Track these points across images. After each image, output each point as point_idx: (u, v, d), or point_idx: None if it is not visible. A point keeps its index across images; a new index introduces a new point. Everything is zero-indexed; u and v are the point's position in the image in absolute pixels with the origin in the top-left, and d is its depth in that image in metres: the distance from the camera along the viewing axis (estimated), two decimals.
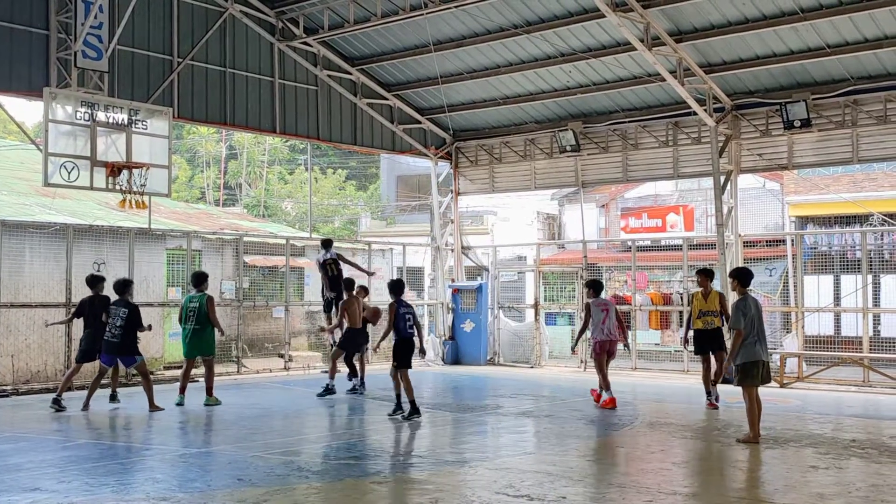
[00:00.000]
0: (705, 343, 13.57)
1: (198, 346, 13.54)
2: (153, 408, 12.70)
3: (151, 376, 17.07)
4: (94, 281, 13.30)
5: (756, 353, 10.11)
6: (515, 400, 14.70)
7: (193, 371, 14.00)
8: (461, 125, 21.84)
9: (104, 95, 14.96)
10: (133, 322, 12.69)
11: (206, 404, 13.36)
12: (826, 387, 16.17)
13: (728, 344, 12.14)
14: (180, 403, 13.32)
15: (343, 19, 18.11)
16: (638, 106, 19.11)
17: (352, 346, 14.81)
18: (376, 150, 22.48)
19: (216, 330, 13.53)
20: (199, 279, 13.77)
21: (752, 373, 10.15)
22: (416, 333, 12.20)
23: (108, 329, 12.72)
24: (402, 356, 12.10)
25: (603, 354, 13.59)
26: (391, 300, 12.29)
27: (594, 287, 14.04)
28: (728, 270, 17.49)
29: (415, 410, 12.07)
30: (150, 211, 16.92)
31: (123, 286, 12.99)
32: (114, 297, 13.00)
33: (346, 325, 14.56)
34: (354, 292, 14.88)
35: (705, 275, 13.74)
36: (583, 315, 19.94)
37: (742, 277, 10.57)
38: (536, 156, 21.02)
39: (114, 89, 15.75)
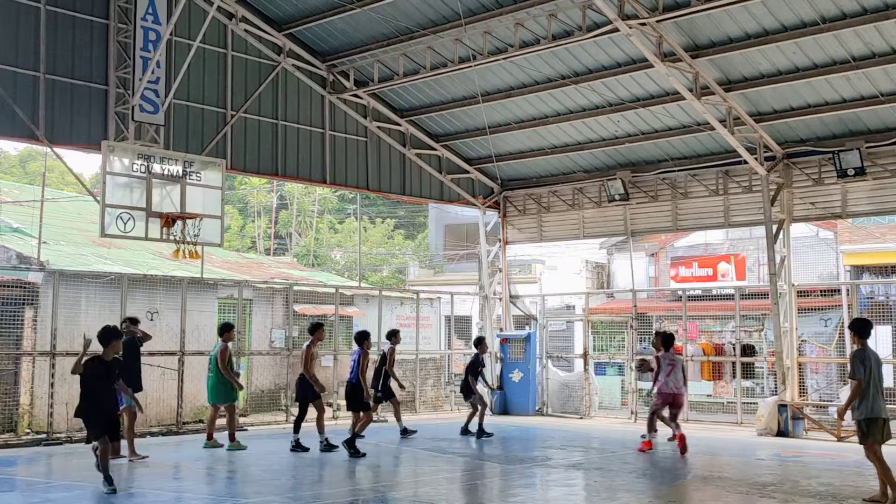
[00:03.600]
0: None
1: (215, 393, 14.09)
2: (133, 456, 12.62)
3: (201, 424, 17.29)
4: None
5: (877, 409, 9.60)
6: (565, 451, 14.51)
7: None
8: (509, 174, 21.91)
9: (160, 148, 15.31)
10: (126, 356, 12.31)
11: (227, 449, 13.72)
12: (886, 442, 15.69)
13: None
14: (207, 447, 13.85)
15: (392, 72, 18.38)
16: (687, 155, 19.02)
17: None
18: (425, 200, 22.60)
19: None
20: (220, 329, 14.35)
21: (873, 430, 9.62)
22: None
23: None
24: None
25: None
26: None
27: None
28: (781, 322, 17.24)
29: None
30: (203, 260, 17.16)
31: (123, 324, 13.11)
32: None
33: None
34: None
35: None
36: (633, 366, 19.91)
37: (860, 329, 10.06)
38: (585, 205, 20.98)
39: (169, 142, 16.12)
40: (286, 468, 12.20)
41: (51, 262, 16.92)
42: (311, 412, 14.12)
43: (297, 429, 14.13)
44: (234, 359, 15.15)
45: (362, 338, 13.99)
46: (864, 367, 9.55)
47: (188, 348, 16.89)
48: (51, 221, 20.92)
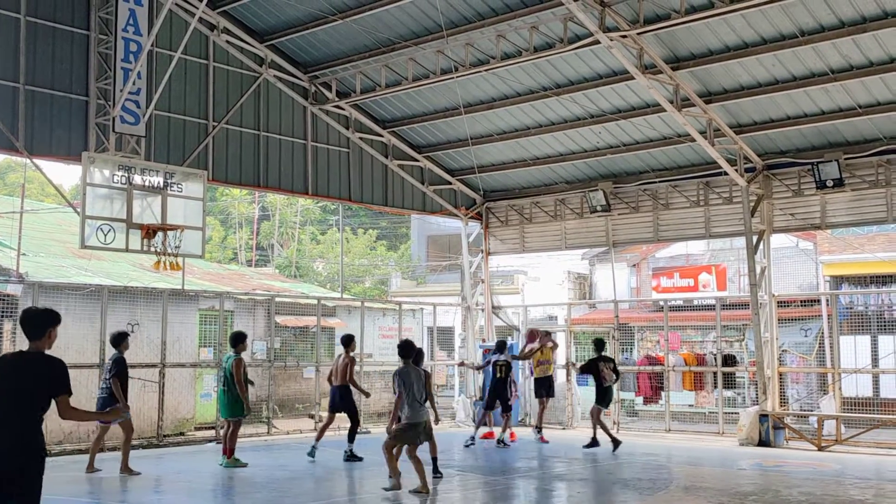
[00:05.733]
0: None
1: (225, 407, 13.57)
2: (126, 471, 12.38)
3: (182, 437, 17.20)
4: None
5: (414, 416, 10.92)
6: (548, 462, 14.51)
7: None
8: (491, 186, 21.96)
9: (141, 159, 15.23)
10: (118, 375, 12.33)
11: (224, 466, 13.30)
12: (866, 450, 15.83)
13: None
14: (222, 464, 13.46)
15: (375, 83, 18.40)
16: (668, 166, 19.13)
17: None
18: (407, 211, 22.62)
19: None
20: (233, 340, 13.70)
21: (408, 433, 10.95)
22: None
23: (100, 384, 12.70)
24: None
25: None
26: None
27: None
28: (761, 332, 17.32)
29: None
30: (184, 272, 17.08)
31: (117, 339, 12.73)
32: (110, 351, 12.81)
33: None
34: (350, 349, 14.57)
35: None
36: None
37: (403, 351, 11.37)
38: (567, 216, 21.04)
39: (150, 153, 16.04)
40: (268, 481, 12.13)
41: (30, 274, 16.81)
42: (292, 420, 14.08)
43: (351, 438, 14.25)
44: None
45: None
46: (404, 382, 10.95)
47: (169, 360, 16.79)
48: (30, 233, 20.81)
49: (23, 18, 14.71)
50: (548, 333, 18.31)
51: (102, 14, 15.30)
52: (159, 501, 10.92)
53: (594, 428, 15.96)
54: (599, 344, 16.37)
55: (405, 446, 11.15)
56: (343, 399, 14.35)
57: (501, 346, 17.23)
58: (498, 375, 16.84)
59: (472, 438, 16.61)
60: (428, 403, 11.34)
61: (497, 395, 16.95)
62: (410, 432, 10.98)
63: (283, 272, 38.91)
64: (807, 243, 24.16)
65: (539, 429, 17.39)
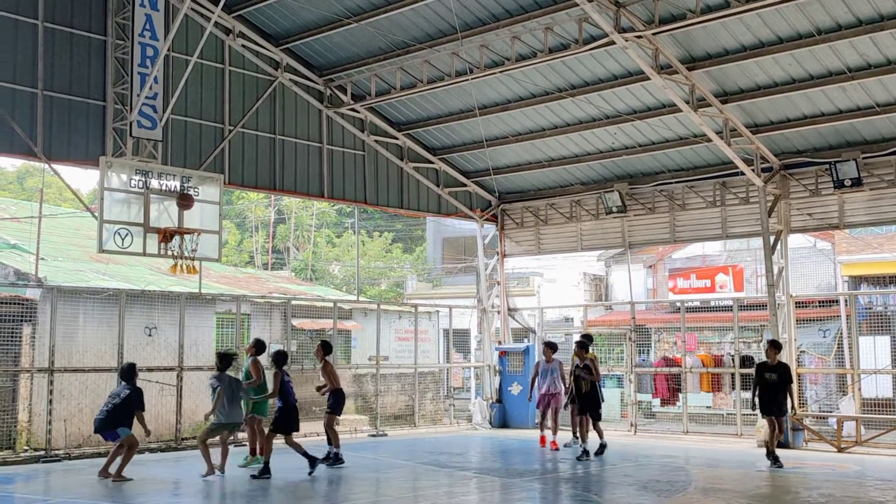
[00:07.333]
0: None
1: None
2: (118, 477, 12.28)
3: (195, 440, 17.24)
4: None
5: (234, 416, 12.67)
6: (565, 464, 14.47)
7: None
8: (507, 187, 21.94)
9: (158, 163, 15.33)
10: (130, 403, 12.40)
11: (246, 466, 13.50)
12: (886, 451, 15.70)
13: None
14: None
15: (389, 86, 18.42)
16: (684, 166, 19.05)
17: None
18: (422, 214, 22.60)
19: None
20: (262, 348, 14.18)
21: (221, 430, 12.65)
22: None
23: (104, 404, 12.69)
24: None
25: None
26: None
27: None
28: (779, 333, 17.22)
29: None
30: (201, 275, 17.15)
31: (129, 372, 12.76)
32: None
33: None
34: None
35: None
36: (632, 378, 19.90)
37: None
38: (582, 217, 21.00)
39: (167, 157, 16.12)
40: (286, 483, 12.14)
41: (48, 279, 16.90)
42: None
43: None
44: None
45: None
46: (220, 384, 12.50)
47: (186, 363, 16.85)
48: (48, 237, 20.91)
49: (40, 24, 14.83)
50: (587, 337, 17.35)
51: (119, 19, 15.40)
52: None
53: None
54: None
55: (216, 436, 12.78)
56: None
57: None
58: (584, 390, 16.15)
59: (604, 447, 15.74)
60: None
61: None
62: (224, 429, 12.81)
63: (299, 275, 38.99)
64: (825, 243, 24.02)
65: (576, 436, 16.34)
